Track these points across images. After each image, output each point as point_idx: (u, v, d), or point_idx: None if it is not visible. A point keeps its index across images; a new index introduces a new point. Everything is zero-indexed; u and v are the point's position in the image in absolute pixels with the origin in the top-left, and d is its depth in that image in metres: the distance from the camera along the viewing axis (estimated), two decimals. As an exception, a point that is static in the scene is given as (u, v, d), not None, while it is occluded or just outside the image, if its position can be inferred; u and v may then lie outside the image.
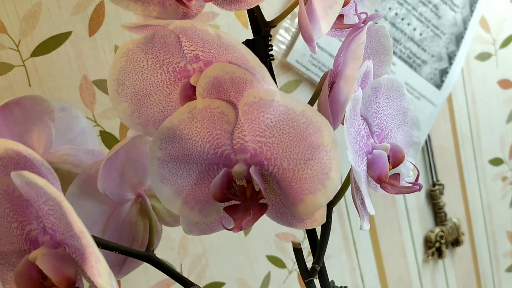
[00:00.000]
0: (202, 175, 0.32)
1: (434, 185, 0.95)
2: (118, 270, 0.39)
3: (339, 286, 0.43)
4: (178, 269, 0.72)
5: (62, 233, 0.26)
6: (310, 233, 0.40)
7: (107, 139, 0.66)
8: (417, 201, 0.94)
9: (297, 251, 0.40)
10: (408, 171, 0.40)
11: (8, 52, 0.61)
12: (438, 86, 0.92)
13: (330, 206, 0.35)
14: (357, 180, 0.31)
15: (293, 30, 0.77)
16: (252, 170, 0.29)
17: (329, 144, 0.27)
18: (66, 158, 0.39)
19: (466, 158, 0.99)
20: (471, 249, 1.03)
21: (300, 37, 0.76)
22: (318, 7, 0.30)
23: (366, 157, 0.35)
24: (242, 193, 0.30)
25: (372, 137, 0.37)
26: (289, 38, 0.77)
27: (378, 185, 0.36)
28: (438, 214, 0.96)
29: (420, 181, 0.92)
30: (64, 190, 0.35)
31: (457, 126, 0.97)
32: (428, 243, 0.95)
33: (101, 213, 0.38)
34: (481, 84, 0.98)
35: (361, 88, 0.35)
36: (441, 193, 0.95)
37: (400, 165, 0.37)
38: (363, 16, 0.36)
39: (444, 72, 0.92)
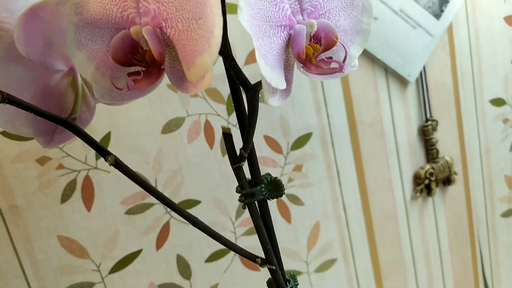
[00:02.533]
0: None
1: (427, 120, 0.92)
2: (49, 138, 0.39)
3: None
4: (153, 184, 0.74)
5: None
6: (241, 123, 0.39)
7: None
8: (409, 136, 0.92)
9: (226, 136, 0.39)
10: (350, 60, 0.38)
11: None
12: (437, 15, 0.87)
13: (257, 88, 0.35)
14: (254, 45, 0.31)
15: None
16: (144, 30, 0.30)
17: (213, 1, 0.28)
18: (1, 26, 0.39)
19: (465, 95, 0.96)
20: (465, 190, 1.01)
21: None
22: None
23: (284, 32, 0.33)
24: (143, 58, 0.32)
25: (302, 14, 0.35)
26: None
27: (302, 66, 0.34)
28: (430, 151, 0.93)
29: (413, 116, 0.91)
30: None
31: (457, 61, 0.93)
32: (417, 179, 0.94)
33: (30, 80, 0.38)
34: (486, 18, 0.93)
35: None
36: (434, 129, 0.93)
37: (334, 48, 0.35)
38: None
39: (444, 1, 0.87)
